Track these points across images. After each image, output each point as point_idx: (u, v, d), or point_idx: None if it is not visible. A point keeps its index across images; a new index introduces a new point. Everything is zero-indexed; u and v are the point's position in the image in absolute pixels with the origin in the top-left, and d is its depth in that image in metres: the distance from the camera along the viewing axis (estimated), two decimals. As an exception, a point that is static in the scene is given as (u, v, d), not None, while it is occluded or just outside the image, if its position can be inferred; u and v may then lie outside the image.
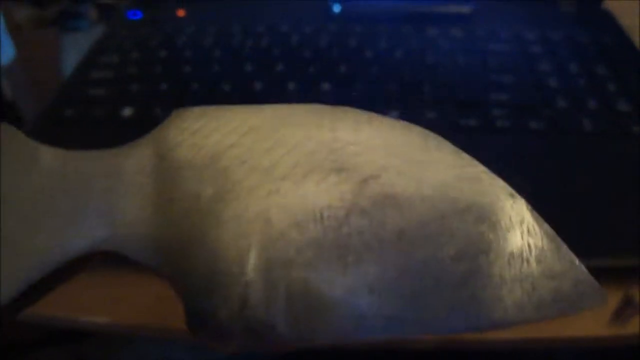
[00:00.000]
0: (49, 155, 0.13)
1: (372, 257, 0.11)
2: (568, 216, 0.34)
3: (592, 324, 0.32)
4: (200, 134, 0.13)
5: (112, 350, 0.45)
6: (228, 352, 0.12)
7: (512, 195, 0.13)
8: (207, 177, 0.12)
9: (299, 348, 0.12)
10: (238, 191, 0.12)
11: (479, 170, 0.13)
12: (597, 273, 0.32)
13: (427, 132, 0.14)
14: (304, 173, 0.12)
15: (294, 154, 0.12)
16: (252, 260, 0.11)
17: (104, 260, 0.12)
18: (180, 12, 0.52)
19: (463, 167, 0.13)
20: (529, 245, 0.12)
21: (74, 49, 0.53)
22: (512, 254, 0.12)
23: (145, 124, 0.40)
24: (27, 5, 0.60)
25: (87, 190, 0.12)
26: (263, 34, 0.48)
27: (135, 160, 0.13)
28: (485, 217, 0.12)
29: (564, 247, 0.13)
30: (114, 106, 0.41)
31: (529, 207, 0.13)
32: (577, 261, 0.13)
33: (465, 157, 0.14)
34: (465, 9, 0.50)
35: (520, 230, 0.12)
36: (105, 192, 0.12)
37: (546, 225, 0.13)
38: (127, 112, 0.41)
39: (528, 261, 0.12)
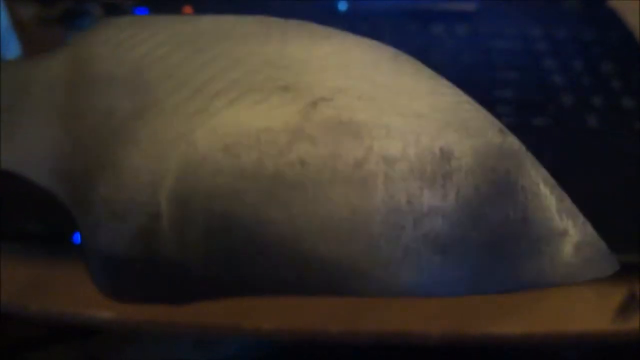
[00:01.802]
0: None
1: (319, 192, 0.09)
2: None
3: (596, 319, 0.32)
4: (126, 45, 0.11)
5: (119, 348, 0.45)
6: (130, 302, 0.10)
7: (502, 132, 0.11)
8: (125, 92, 0.10)
9: (220, 296, 0.09)
10: (160, 108, 0.10)
11: (461, 99, 0.11)
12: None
13: (400, 53, 0.11)
14: (242, 91, 0.10)
15: (233, 71, 0.10)
16: (168, 187, 0.09)
17: (2, 178, 0.11)
18: (187, 10, 0.52)
19: (442, 95, 0.11)
20: (525, 198, 0.10)
21: (80, 48, 0.54)
22: (492, 199, 0.10)
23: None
24: (32, 3, 0.60)
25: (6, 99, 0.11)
26: (268, 32, 0.48)
27: (48, 72, 0.11)
28: (464, 152, 0.10)
29: (566, 199, 0.11)
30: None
31: (522, 146, 0.11)
32: (579, 216, 0.11)
33: (445, 83, 0.11)
34: (469, 6, 0.50)
35: (516, 177, 0.11)
36: (11, 108, 0.11)
37: (543, 170, 0.11)
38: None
39: (526, 219, 0.10)
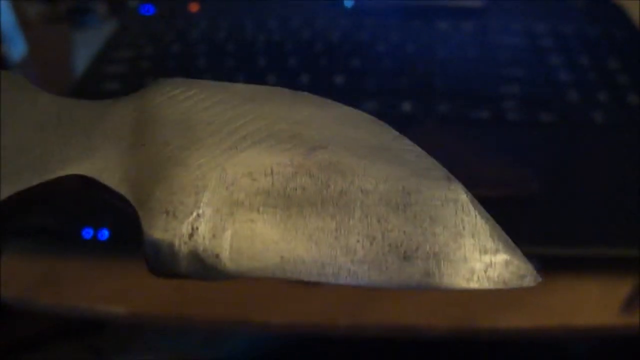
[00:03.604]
0: (46, 98, 0.15)
1: (314, 211, 0.13)
2: (579, 207, 0.34)
3: (603, 313, 0.32)
4: (177, 98, 0.15)
5: (125, 344, 0.45)
6: (175, 277, 0.13)
7: (448, 178, 0.14)
8: (177, 131, 0.14)
9: (240, 278, 0.13)
10: (202, 144, 0.14)
11: (420, 155, 0.15)
12: (608, 263, 0.32)
13: (373, 119, 0.16)
14: (262, 137, 0.14)
15: (254, 123, 0.14)
16: (206, 198, 0.13)
17: (81, 184, 0.14)
18: (193, 7, 0.52)
19: (406, 152, 0.15)
20: (462, 221, 0.14)
21: (85, 45, 0.54)
22: (443, 225, 0.14)
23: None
24: (38, 2, 0.61)
25: (73, 129, 0.15)
26: (275, 29, 0.48)
27: (118, 111, 0.15)
28: (419, 190, 0.14)
29: (498, 228, 0.14)
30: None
31: (465, 189, 0.14)
32: (510, 242, 0.14)
33: (409, 143, 0.15)
34: (476, 3, 0.50)
35: (455, 208, 0.14)
36: (89, 133, 0.15)
37: (481, 207, 0.14)
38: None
39: (461, 234, 0.14)
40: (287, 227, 0.13)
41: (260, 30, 0.48)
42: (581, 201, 0.34)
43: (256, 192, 0.13)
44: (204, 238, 0.13)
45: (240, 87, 0.15)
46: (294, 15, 0.50)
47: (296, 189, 0.13)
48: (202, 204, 0.13)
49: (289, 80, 0.43)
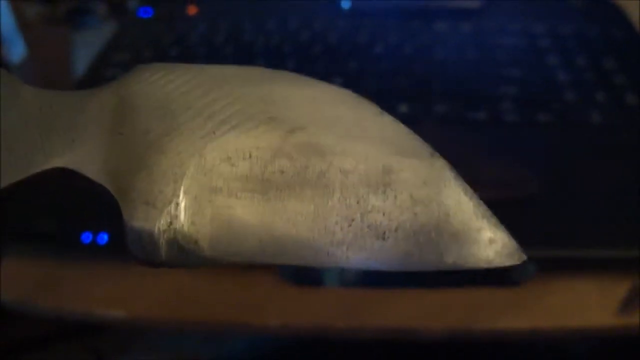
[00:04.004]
0: (29, 92, 0.15)
1: (293, 194, 0.13)
2: (577, 208, 0.34)
3: (602, 313, 0.32)
4: (156, 84, 0.15)
5: (125, 346, 0.46)
6: (157, 265, 0.13)
7: (431, 155, 0.14)
8: (156, 118, 0.14)
9: (220, 264, 0.14)
10: (181, 130, 0.14)
11: (404, 131, 0.15)
12: (607, 263, 0.32)
13: (357, 96, 0.16)
14: (240, 120, 0.14)
15: (232, 106, 0.14)
16: (185, 185, 0.13)
17: (62, 176, 0.15)
18: (192, 10, 0.52)
19: (390, 129, 0.15)
20: (446, 194, 0.14)
21: (84, 46, 0.54)
22: (424, 204, 0.13)
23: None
24: (37, 2, 0.61)
25: (55, 120, 0.15)
26: (274, 31, 0.48)
27: (98, 100, 0.15)
28: (401, 168, 0.14)
29: (483, 206, 0.14)
30: None
31: (450, 166, 0.14)
32: (494, 219, 0.14)
33: (391, 119, 0.15)
34: (473, 3, 0.50)
35: (437, 186, 0.14)
36: (69, 123, 0.15)
37: (465, 185, 0.14)
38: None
39: (449, 215, 0.13)
40: (265, 212, 0.13)
41: (259, 32, 0.48)
42: (580, 201, 0.34)
43: (234, 177, 0.13)
44: (182, 225, 0.13)
45: (217, 69, 0.16)
46: (292, 17, 0.50)
47: (274, 173, 0.13)
48: (180, 192, 0.13)
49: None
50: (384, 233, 0.13)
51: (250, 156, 0.13)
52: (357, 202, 0.13)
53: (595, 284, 0.33)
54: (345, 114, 0.15)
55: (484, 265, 0.13)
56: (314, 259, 0.13)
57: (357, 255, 0.13)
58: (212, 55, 0.46)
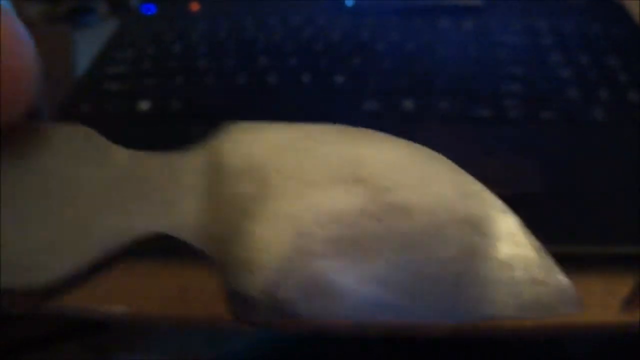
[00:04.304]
0: (119, 154, 0.15)
1: (381, 255, 0.14)
2: (579, 205, 0.34)
3: (602, 311, 0.32)
4: (246, 145, 0.15)
5: (129, 344, 0.46)
6: (257, 326, 0.14)
7: (504, 212, 0.15)
8: (249, 181, 0.14)
9: (315, 328, 0.14)
10: (274, 194, 0.14)
11: (477, 188, 0.15)
12: (610, 261, 0.32)
13: (432, 152, 0.16)
14: (329, 182, 0.14)
15: (322, 167, 0.15)
16: (282, 249, 0.13)
17: (159, 243, 0.14)
18: (194, 7, 0.52)
19: (463, 184, 0.15)
20: (517, 255, 0.14)
21: (86, 45, 0.54)
22: (500, 261, 0.14)
23: (161, 117, 0.40)
24: (39, 1, 0.61)
25: (149, 184, 0.15)
26: (276, 28, 0.48)
27: (189, 162, 0.15)
28: (478, 228, 0.14)
29: (549, 259, 0.15)
30: (131, 100, 0.42)
31: (520, 222, 0.15)
32: (559, 272, 0.15)
33: (466, 175, 0.16)
34: (476, 2, 0.50)
35: (510, 241, 0.14)
36: (164, 187, 0.15)
37: (534, 239, 0.15)
38: (144, 106, 0.42)
39: (514, 268, 0.14)
40: (356, 272, 0.14)
41: (261, 30, 0.48)
42: (583, 199, 0.34)
43: (327, 240, 0.14)
44: (279, 289, 0.13)
45: (304, 129, 0.16)
46: (295, 14, 0.50)
47: (364, 234, 0.14)
48: (277, 256, 0.13)
49: (290, 80, 0.43)
50: (457, 284, 0.14)
51: (341, 218, 0.14)
52: (438, 260, 0.14)
53: (597, 281, 0.33)
54: (425, 172, 0.15)
55: (552, 316, 0.14)
56: (397, 315, 0.13)
57: (428, 310, 0.14)
58: (214, 52, 0.46)
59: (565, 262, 0.33)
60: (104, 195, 0.14)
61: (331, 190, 0.14)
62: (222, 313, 0.32)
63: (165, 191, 0.15)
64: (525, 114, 0.40)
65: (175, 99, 0.42)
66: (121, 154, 0.15)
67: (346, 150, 0.15)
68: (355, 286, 0.13)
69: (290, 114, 0.41)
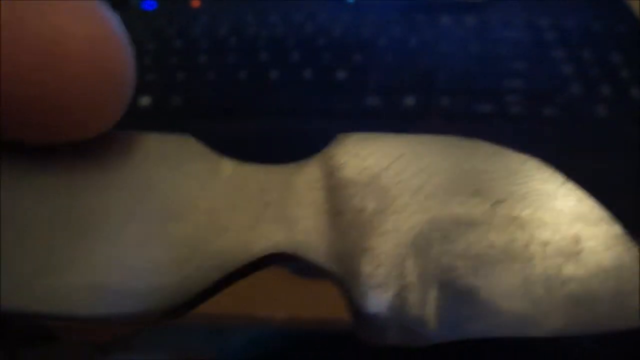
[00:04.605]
0: (229, 167, 0.15)
1: (504, 267, 0.14)
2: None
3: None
4: (360, 156, 0.15)
5: (128, 338, 0.46)
6: (385, 345, 0.13)
7: (608, 222, 0.15)
8: (369, 194, 0.14)
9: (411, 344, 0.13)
10: (395, 207, 0.14)
11: (584, 200, 0.15)
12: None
13: (542, 163, 0.16)
14: (448, 196, 0.14)
15: (439, 178, 0.14)
16: (409, 266, 0.13)
17: (279, 262, 0.14)
18: (195, 3, 0.52)
19: (572, 199, 0.15)
20: (621, 265, 0.14)
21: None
22: (613, 271, 0.14)
23: (162, 113, 0.40)
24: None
25: (264, 199, 0.14)
26: (277, 24, 0.48)
27: (305, 176, 0.15)
28: (586, 237, 0.14)
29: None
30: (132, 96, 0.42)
31: (623, 230, 0.15)
32: None
33: (572, 187, 0.16)
34: (478, -3, 0.50)
35: (617, 251, 0.14)
36: (280, 202, 0.14)
37: (634, 247, 0.15)
38: (145, 101, 0.42)
39: (629, 280, 0.14)
40: (482, 287, 0.13)
41: (262, 26, 0.48)
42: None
43: (452, 254, 0.14)
44: (411, 308, 0.13)
45: (413, 140, 0.16)
46: (296, 10, 0.50)
47: (486, 247, 0.14)
48: (407, 274, 0.13)
49: (292, 76, 0.43)
50: (578, 299, 0.13)
51: (463, 232, 0.14)
52: (556, 273, 0.14)
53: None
54: (536, 184, 0.15)
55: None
56: (525, 331, 0.13)
57: (557, 320, 0.13)
58: (215, 48, 0.46)
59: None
60: (215, 213, 0.14)
61: (451, 203, 0.14)
62: (225, 308, 0.32)
63: (283, 207, 0.14)
64: (527, 110, 0.40)
65: (176, 95, 0.42)
66: (231, 167, 0.15)
67: (460, 162, 0.15)
68: (484, 301, 0.13)
69: (292, 110, 0.41)
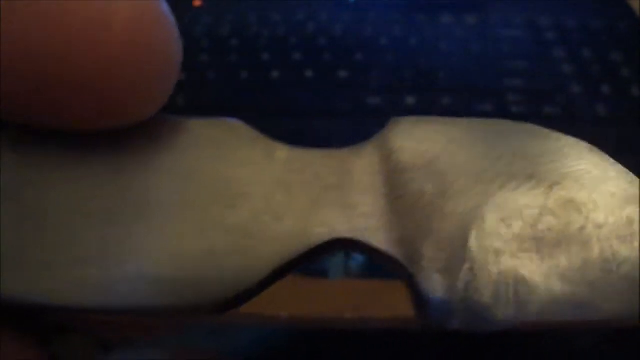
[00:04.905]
0: (283, 151, 0.14)
1: (561, 250, 0.13)
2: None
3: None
4: (415, 140, 0.15)
5: (132, 337, 0.46)
6: (449, 330, 0.13)
7: None
8: (427, 178, 0.14)
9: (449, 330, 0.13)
10: (453, 190, 0.14)
11: (632, 178, 0.15)
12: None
13: (589, 147, 0.16)
14: (505, 179, 0.14)
15: (494, 163, 0.14)
16: (471, 249, 0.13)
17: (337, 250, 0.14)
18: (196, 2, 0.52)
19: (623, 180, 0.15)
20: None
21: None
22: None
23: (164, 111, 0.41)
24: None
25: (321, 184, 0.14)
26: (279, 23, 0.48)
27: (362, 161, 0.14)
28: (637, 219, 0.14)
29: None
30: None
31: None
32: None
33: (623, 170, 0.16)
34: (479, -4, 0.50)
35: None
36: (337, 187, 0.14)
37: None
38: (147, 101, 0.42)
39: None
40: (542, 271, 0.13)
41: (264, 25, 0.48)
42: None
43: (511, 237, 0.13)
44: (475, 291, 0.13)
45: (464, 124, 0.15)
46: (298, 9, 0.50)
47: (543, 231, 0.14)
48: (468, 257, 0.13)
49: (293, 75, 0.43)
50: (634, 283, 0.13)
51: (521, 215, 0.14)
52: (612, 255, 0.14)
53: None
54: (588, 167, 0.15)
55: None
56: (582, 314, 0.13)
57: (614, 308, 0.13)
58: (217, 47, 0.46)
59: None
60: (272, 198, 0.13)
61: (508, 186, 0.14)
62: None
63: (340, 192, 0.14)
64: (527, 109, 0.40)
65: (178, 94, 0.42)
66: (285, 151, 0.14)
67: (512, 145, 0.15)
68: (542, 284, 0.13)
69: (293, 109, 0.42)
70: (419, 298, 0.13)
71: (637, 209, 0.14)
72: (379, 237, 0.13)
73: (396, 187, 0.14)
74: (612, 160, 0.16)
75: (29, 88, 0.11)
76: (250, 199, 0.13)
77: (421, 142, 0.14)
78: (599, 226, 0.14)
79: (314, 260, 0.14)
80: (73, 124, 0.12)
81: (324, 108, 0.41)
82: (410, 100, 0.40)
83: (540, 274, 0.13)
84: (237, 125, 0.14)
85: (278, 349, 0.42)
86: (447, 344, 0.40)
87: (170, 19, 0.12)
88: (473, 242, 0.13)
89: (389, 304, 0.33)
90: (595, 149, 0.16)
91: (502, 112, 0.39)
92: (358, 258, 0.35)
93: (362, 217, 0.13)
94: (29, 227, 0.12)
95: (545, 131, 0.16)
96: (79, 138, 0.13)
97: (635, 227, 0.14)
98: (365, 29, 0.47)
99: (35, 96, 0.11)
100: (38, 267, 0.12)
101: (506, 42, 0.46)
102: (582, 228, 0.14)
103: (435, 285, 0.13)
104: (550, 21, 0.48)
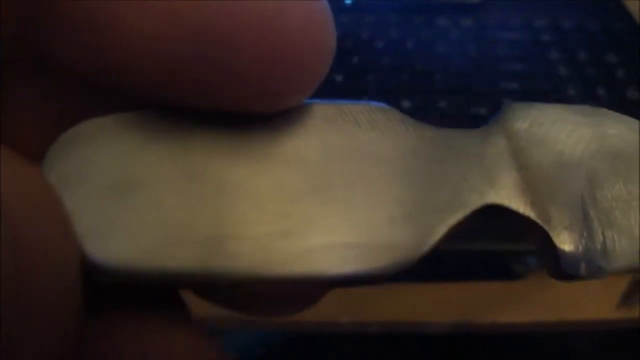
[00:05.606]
0: (430, 130, 0.15)
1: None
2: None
3: (602, 307, 0.32)
4: (531, 123, 0.16)
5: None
6: (575, 280, 0.15)
7: None
8: (539, 154, 0.15)
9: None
10: (569, 164, 0.15)
11: None
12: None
13: None
14: (600, 157, 0.15)
15: (590, 144, 0.16)
16: (588, 210, 0.15)
17: (483, 217, 0.15)
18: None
19: None
20: None
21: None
22: None
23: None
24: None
25: (466, 158, 0.15)
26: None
27: (493, 140, 0.16)
28: None
29: None
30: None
31: None
32: None
33: None
34: (475, -1, 0.50)
35: None
36: (479, 161, 0.15)
37: None
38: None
39: None
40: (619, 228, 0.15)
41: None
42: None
43: (620, 197, 0.15)
44: (596, 243, 0.15)
45: (570, 110, 0.17)
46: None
47: (619, 199, 0.15)
48: (586, 215, 0.15)
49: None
50: None
51: (624, 182, 0.15)
52: None
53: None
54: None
55: None
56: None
57: None
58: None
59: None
60: (428, 171, 0.15)
61: (603, 163, 0.15)
62: (225, 311, 0.32)
63: (479, 165, 0.15)
64: (524, 111, 0.40)
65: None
66: (432, 130, 0.16)
67: (594, 129, 0.16)
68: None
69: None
70: (552, 253, 0.15)
71: None
72: (518, 203, 0.15)
73: (523, 162, 0.15)
74: None
75: (193, 69, 0.12)
76: (410, 175, 0.15)
77: (534, 125, 0.16)
78: None
79: (465, 225, 0.15)
80: (226, 106, 0.13)
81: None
82: (406, 103, 0.40)
83: (634, 228, 0.15)
84: (387, 108, 0.15)
85: (276, 352, 0.42)
86: (443, 347, 0.40)
87: (332, 20, 0.13)
88: (588, 204, 0.15)
89: (385, 307, 0.33)
90: None
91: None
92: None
93: (504, 188, 0.15)
94: (222, 204, 0.13)
95: (617, 115, 0.17)
96: (233, 120, 0.14)
97: None
98: (362, 31, 0.47)
99: (194, 77, 0.12)
100: (240, 241, 0.13)
101: (502, 44, 0.46)
102: None
103: (565, 240, 0.14)
104: (546, 23, 0.48)
